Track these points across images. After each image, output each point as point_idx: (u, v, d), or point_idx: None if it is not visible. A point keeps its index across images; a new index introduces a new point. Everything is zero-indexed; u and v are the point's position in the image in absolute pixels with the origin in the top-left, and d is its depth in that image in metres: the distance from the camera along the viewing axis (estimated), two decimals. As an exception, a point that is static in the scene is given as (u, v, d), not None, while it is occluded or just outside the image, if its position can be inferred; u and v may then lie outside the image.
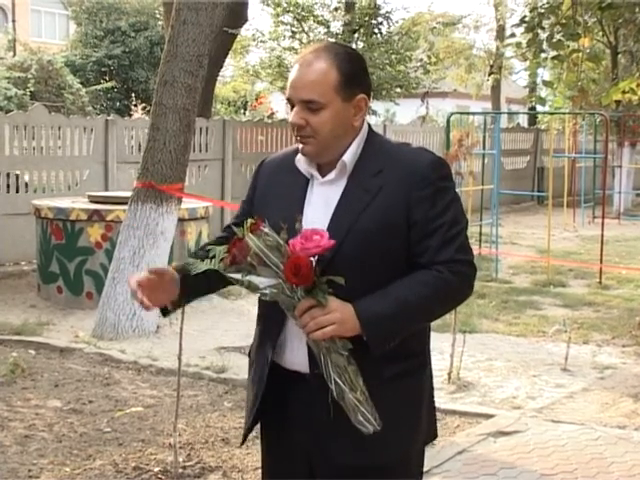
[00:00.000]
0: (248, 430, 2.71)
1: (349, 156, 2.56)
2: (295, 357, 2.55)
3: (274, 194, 2.66)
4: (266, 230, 2.40)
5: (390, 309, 2.43)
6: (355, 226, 2.48)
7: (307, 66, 2.52)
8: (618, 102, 17.65)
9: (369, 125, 2.64)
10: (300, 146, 2.58)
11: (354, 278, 2.43)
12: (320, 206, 2.55)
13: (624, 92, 9.06)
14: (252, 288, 2.42)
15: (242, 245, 2.39)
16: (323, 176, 2.60)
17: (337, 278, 2.36)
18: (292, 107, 2.55)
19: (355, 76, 2.56)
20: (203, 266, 2.45)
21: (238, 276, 2.41)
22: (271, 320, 2.61)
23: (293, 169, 2.64)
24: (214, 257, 2.44)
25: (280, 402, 2.62)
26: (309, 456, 2.60)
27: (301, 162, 2.62)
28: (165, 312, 2.72)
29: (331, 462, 2.55)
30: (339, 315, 2.38)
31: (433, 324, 2.66)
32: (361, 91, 2.58)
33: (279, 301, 2.41)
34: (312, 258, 2.36)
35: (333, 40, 17.65)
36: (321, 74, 2.50)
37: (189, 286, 2.63)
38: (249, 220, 2.42)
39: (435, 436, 2.79)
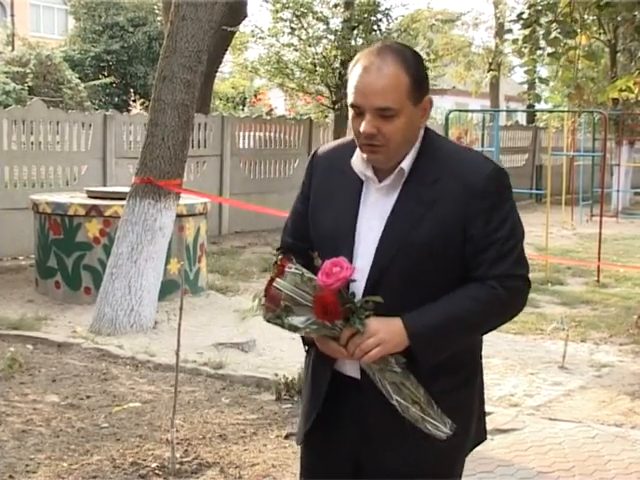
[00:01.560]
0: (308, 432, 2.65)
1: (407, 163, 2.47)
2: (348, 365, 2.53)
3: (328, 195, 2.57)
4: (293, 270, 2.39)
5: (439, 323, 2.39)
6: (408, 239, 2.42)
7: (377, 70, 2.39)
8: (616, 100, 17.67)
9: (425, 126, 2.55)
10: (366, 155, 2.46)
11: (406, 291, 2.41)
12: (374, 213, 2.49)
13: (621, 90, 9.05)
14: (294, 329, 2.42)
15: (272, 292, 2.39)
16: (380, 180, 2.51)
17: (375, 298, 2.34)
18: (357, 114, 2.43)
19: (423, 78, 2.48)
20: (252, 313, 2.56)
21: (279, 321, 2.41)
22: None
23: (347, 168, 2.53)
24: (259, 302, 2.46)
25: (333, 406, 2.58)
26: (357, 457, 2.58)
27: (357, 164, 2.51)
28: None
29: (381, 466, 2.53)
30: (382, 335, 2.35)
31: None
32: (427, 92, 2.50)
33: (320, 335, 2.42)
34: (344, 287, 2.36)
35: (331, 37, 17.65)
36: (394, 79, 2.39)
37: None
38: (278, 258, 2.42)
39: (484, 438, 2.77)
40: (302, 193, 2.69)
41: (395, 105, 2.39)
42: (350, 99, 2.44)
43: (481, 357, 2.68)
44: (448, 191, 2.43)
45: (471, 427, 2.61)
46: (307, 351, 2.69)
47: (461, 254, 2.44)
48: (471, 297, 2.42)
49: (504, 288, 2.44)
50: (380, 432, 2.51)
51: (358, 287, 2.42)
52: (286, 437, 5.39)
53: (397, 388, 2.39)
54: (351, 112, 2.46)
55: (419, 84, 2.45)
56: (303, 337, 2.60)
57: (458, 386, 2.53)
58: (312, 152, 2.73)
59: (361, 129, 2.41)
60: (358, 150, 2.51)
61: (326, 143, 2.83)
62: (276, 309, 2.39)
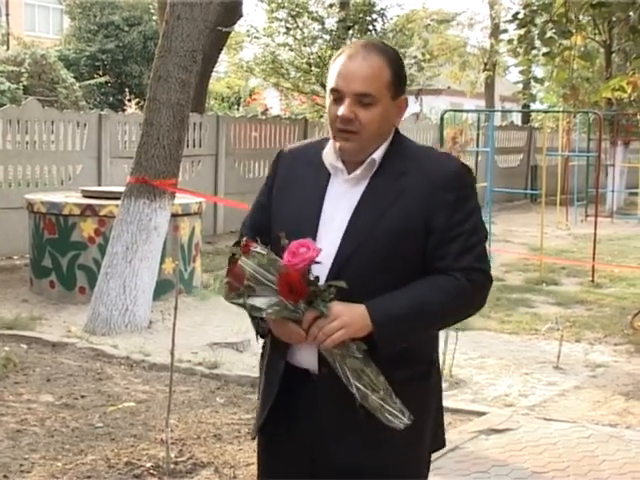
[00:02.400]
0: (261, 426, 2.67)
1: (379, 155, 2.53)
2: (305, 355, 2.54)
3: (293, 186, 2.62)
4: (257, 249, 2.39)
5: (403, 310, 2.42)
6: (373, 230, 2.46)
7: (362, 59, 2.47)
8: (610, 101, 17.68)
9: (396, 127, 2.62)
10: (339, 142, 2.51)
11: (371, 279, 2.44)
12: (342, 203, 2.53)
13: (614, 90, 9.06)
14: (255, 311, 2.42)
15: (237, 270, 2.39)
16: (349, 172, 2.55)
17: (339, 283, 2.35)
18: (336, 99, 2.49)
19: (403, 77, 2.56)
20: (217, 290, 2.54)
21: (240, 301, 2.41)
22: None
23: (314, 162, 2.60)
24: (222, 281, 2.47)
25: (288, 399, 2.60)
26: (312, 454, 2.58)
27: (329, 155, 2.56)
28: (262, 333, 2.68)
29: (332, 461, 2.54)
30: (345, 318, 2.36)
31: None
32: (404, 92, 2.58)
33: (285, 318, 2.40)
34: (309, 268, 2.36)
35: (326, 36, 17.66)
36: (377, 69, 2.47)
37: None
38: (243, 239, 2.43)
39: (443, 445, 2.77)
40: (265, 186, 2.74)
41: (375, 92, 2.47)
42: (331, 84, 2.51)
43: (437, 357, 2.69)
44: (413, 185, 2.49)
45: (426, 423, 2.61)
46: (263, 346, 2.73)
47: (424, 246, 2.49)
48: (435, 287, 2.46)
49: (468, 281, 2.47)
50: (333, 426, 2.52)
51: (321, 275, 2.43)
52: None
53: (357, 375, 2.38)
54: (330, 98, 2.52)
55: (399, 80, 2.53)
56: (257, 326, 2.62)
57: (415, 378, 2.54)
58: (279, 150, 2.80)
59: (340, 112, 2.47)
60: (331, 142, 2.57)
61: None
62: (239, 288, 2.39)
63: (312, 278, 2.37)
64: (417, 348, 2.53)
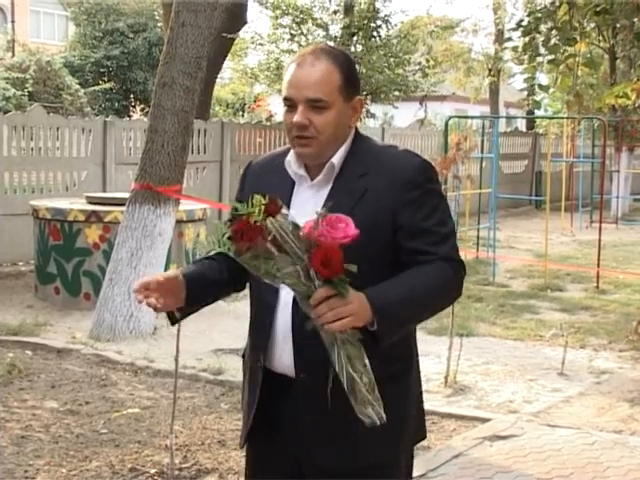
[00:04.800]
0: (248, 434, 2.69)
1: (338, 158, 2.56)
2: (282, 362, 2.56)
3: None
4: (287, 214, 2.31)
5: (401, 299, 2.40)
6: None
7: (310, 66, 2.50)
8: (614, 107, 17.68)
9: (356, 128, 2.64)
10: (297, 149, 2.55)
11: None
12: (306, 209, 2.51)
13: (618, 96, 9.07)
14: (270, 276, 2.31)
15: (256, 230, 2.25)
16: (312, 179, 2.59)
17: (351, 266, 2.27)
18: (289, 107, 2.53)
19: (354, 78, 2.60)
20: (216, 249, 2.37)
21: (255, 263, 2.30)
22: (261, 325, 2.62)
23: (279, 171, 2.63)
24: (225, 245, 2.31)
25: (271, 405, 2.62)
26: (298, 458, 2.60)
27: (291, 164, 2.60)
28: (173, 319, 2.68)
29: (316, 464, 2.56)
30: (356, 306, 2.30)
31: (430, 327, 2.67)
32: (357, 93, 2.60)
33: (293, 288, 2.32)
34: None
35: (331, 43, 17.68)
36: (326, 74, 2.50)
37: (195, 292, 2.60)
38: (260, 199, 2.27)
39: (424, 437, 2.80)
40: (235, 199, 2.70)
41: (326, 97, 2.49)
42: (283, 93, 2.56)
43: (417, 350, 2.70)
44: (377, 183, 2.51)
45: (408, 421, 2.62)
46: (244, 354, 2.75)
47: (391, 242, 2.51)
48: (425, 275, 2.46)
49: (452, 269, 2.51)
50: (315, 430, 2.53)
51: None
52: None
53: (351, 363, 2.33)
54: (284, 107, 2.56)
55: (350, 82, 2.55)
56: (172, 317, 2.64)
57: (396, 376, 2.55)
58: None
59: (294, 119, 2.50)
60: (292, 151, 2.60)
61: None
62: (259, 248, 2.27)
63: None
64: (396, 347, 2.50)
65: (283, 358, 2.55)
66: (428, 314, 2.61)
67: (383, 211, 2.49)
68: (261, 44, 19.11)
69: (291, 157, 2.61)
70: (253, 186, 2.67)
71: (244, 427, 2.72)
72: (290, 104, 2.53)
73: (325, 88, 2.49)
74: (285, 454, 2.63)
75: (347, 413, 2.37)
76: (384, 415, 2.35)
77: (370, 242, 2.45)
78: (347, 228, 2.28)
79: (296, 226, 2.29)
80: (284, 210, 2.31)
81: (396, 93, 19.81)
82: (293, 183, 2.61)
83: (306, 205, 2.54)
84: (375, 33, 18.59)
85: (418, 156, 2.62)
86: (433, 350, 7.36)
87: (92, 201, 9.77)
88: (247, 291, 2.77)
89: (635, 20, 8.50)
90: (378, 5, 18.58)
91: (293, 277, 2.29)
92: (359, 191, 2.51)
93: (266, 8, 18.57)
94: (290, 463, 2.62)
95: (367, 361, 2.36)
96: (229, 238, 2.29)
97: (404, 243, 2.51)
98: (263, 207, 2.26)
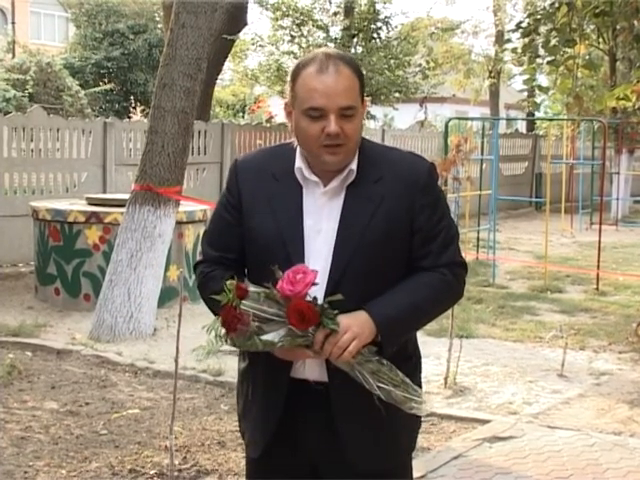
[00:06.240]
0: (268, 443, 2.63)
1: (354, 164, 2.55)
2: (313, 369, 2.55)
3: (264, 202, 2.58)
4: (252, 289, 2.39)
5: (401, 310, 2.48)
6: (364, 237, 2.49)
7: (337, 73, 2.47)
8: (615, 109, 17.68)
9: None
10: (326, 157, 2.49)
11: (364, 286, 2.48)
12: (323, 215, 2.53)
13: (618, 98, 9.06)
14: (270, 345, 2.41)
15: (236, 315, 2.37)
16: (324, 185, 2.55)
17: (336, 297, 2.37)
18: (316, 118, 2.46)
19: (364, 81, 2.61)
20: (217, 347, 2.49)
21: (252, 343, 2.40)
22: None
23: (280, 177, 2.58)
24: (217, 334, 2.46)
25: (295, 412, 2.60)
26: (315, 462, 2.61)
27: (302, 170, 2.55)
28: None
29: (354, 469, 2.55)
30: (355, 329, 2.40)
31: (430, 329, 2.71)
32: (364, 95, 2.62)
33: (294, 346, 2.41)
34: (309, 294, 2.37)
35: (331, 44, 17.69)
36: (351, 80, 2.50)
37: None
38: (229, 283, 2.37)
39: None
40: (228, 202, 2.66)
41: (355, 104, 2.51)
42: (309, 103, 2.47)
43: (418, 346, 2.77)
44: (392, 188, 2.54)
45: (419, 419, 2.72)
46: (245, 365, 2.74)
47: (409, 246, 2.56)
48: (427, 284, 2.54)
49: (453, 275, 2.59)
50: (351, 432, 2.54)
51: (319, 289, 2.44)
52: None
53: (377, 376, 2.43)
54: (306, 117, 2.48)
55: (363, 85, 2.57)
56: (243, 352, 2.68)
57: (412, 371, 2.60)
58: (232, 162, 2.74)
59: (330, 129, 2.45)
60: (300, 156, 2.56)
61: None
62: (246, 332, 2.38)
63: (311, 299, 2.38)
64: (405, 346, 2.61)
65: (314, 365, 2.54)
66: (429, 320, 2.69)
67: (401, 216, 2.53)
68: (261, 46, 19.12)
69: (301, 163, 2.56)
70: (253, 191, 2.61)
71: (261, 437, 2.64)
72: (319, 114, 2.46)
73: (353, 94, 2.50)
74: (302, 456, 2.62)
75: (381, 413, 2.45)
76: (425, 399, 2.47)
77: (390, 246, 2.52)
78: (305, 276, 2.35)
79: (268, 293, 2.38)
80: (251, 287, 2.39)
81: (396, 95, 19.82)
82: (300, 189, 2.57)
83: (322, 212, 2.54)
84: (375, 35, 18.60)
85: (424, 159, 2.67)
86: (433, 351, 7.35)
87: (92, 202, 9.77)
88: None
89: (635, 22, 8.50)
90: (378, 7, 18.60)
91: (289, 337, 2.38)
92: (377, 197, 2.53)
93: (266, 10, 18.58)
94: (304, 465, 2.63)
95: (388, 365, 2.44)
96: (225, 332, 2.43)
97: (417, 247, 2.56)
98: (233, 294, 2.37)
